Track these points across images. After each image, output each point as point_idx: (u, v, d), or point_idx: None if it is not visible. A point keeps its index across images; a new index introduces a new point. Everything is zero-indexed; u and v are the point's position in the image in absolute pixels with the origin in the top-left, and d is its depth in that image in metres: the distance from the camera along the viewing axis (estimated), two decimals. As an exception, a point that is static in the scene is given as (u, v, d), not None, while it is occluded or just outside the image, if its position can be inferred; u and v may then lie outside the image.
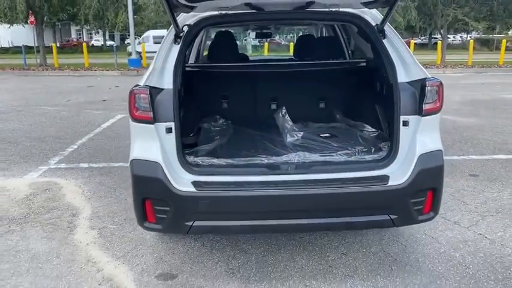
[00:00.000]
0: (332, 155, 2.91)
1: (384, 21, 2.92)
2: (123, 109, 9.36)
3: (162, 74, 2.76)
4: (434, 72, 17.61)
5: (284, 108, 3.53)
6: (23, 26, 22.33)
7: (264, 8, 3.00)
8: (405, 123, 2.70)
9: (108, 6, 20.00)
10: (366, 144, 3.08)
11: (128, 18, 18.82)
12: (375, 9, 3.11)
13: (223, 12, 2.99)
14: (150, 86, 2.67)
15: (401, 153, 2.69)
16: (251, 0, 2.94)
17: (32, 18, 19.44)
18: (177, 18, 3.01)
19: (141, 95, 2.63)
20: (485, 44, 46.38)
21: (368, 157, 2.86)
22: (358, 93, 3.66)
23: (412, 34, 48.45)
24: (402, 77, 2.77)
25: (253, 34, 6.24)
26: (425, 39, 51.26)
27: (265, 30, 5.05)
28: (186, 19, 3.04)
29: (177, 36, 2.92)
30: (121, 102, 10.29)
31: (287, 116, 3.50)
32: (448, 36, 54.08)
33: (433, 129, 2.78)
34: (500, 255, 3.20)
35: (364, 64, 3.61)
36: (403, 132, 2.70)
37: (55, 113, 9.07)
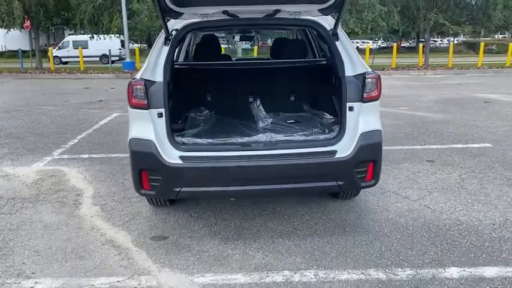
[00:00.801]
0: (293, 135, 3.57)
1: (335, 26, 3.59)
2: (119, 108, 10.01)
3: (155, 70, 3.40)
4: (416, 74, 18.49)
5: (259, 100, 4.20)
6: (20, 31, 22.83)
7: (238, 15, 3.65)
8: (350, 109, 3.36)
9: (102, 11, 20.57)
10: (322, 128, 3.75)
11: (122, 23, 19.44)
12: (329, 16, 3.77)
13: (205, 19, 3.65)
14: (144, 79, 3.31)
15: (347, 132, 3.35)
16: (228, 9, 3.61)
17: (27, 23, 19.99)
18: (168, 23, 3.66)
19: (138, 86, 3.28)
20: (471, 47, 47.49)
21: (321, 136, 3.53)
22: (320, 87, 4.32)
23: (401, 38, 49.53)
24: (349, 71, 3.43)
25: (237, 38, 6.95)
26: (413, 42, 52.32)
27: (247, 34, 5.72)
28: (174, 24, 3.69)
29: (166, 39, 3.57)
30: (117, 103, 10.91)
31: (261, 106, 4.17)
32: (436, 39, 55.29)
33: (373, 113, 3.45)
34: (437, 220, 3.86)
35: (325, 62, 4.27)
36: (349, 116, 3.36)
37: (55, 112, 9.67)
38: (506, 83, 14.97)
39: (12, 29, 21.07)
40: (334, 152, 3.30)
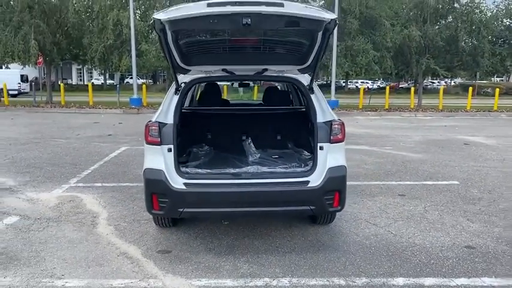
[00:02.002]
0: (275, 168, 4.42)
1: (311, 82, 4.50)
2: (126, 142, 10.90)
3: (167, 114, 4.28)
4: (407, 115, 19.47)
5: (250, 138, 5.08)
6: (35, 67, 24.15)
7: (235, 72, 4.58)
8: (321, 148, 4.21)
9: (112, 50, 21.95)
10: (299, 162, 4.60)
11: (130, 62, 20.71)
12: (306, 74, 4.70)
13: (208, 75, 4.57)
14: (158, 122, 4.19)
15: (318, 166, 4.19)
16: (226, 67, 4.54)
17: (40, 60, 21.29)
18: (178, 77, 4.58)
19: (153, 127, 4.15)
20: (467, 90, 49.09)
21: (298, 169, 4.37)
22: (300, 129, 5.18)
23: (399, 78, 51.22)
24: (320, 118, 4.31)
25: (236, 84, 8.06)
26: (411, 83, 54.02)
27: (244, 82, 6.67)
28: (183, 78, 4.61)
29: (177, 89, 4.47)
30: (124, 137, 11.82)
31: (251, 144, 5.04)
32: (434, 81, 57.00)
33: (339, 152, 4.29)
34: (396, 242, 4.62)
35: (304, 109, 5.16)
36: (320, 154, 4.20)
37: (68, 145, 10.54)
38: (490, 126, 15.90)
39: (27, 66, 22.35)
40: (307, 182, 4.13)
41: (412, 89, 22.84)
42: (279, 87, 6.86)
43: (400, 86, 51.87)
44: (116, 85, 21.69)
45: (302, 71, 4.59)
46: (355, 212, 5.57)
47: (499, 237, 4.77)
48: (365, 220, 5.30)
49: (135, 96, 20.75)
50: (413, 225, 5.14)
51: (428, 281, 3.78)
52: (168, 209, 4.12)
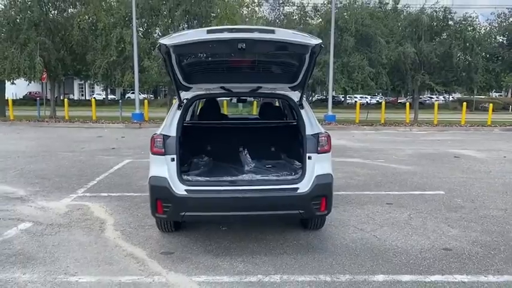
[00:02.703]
0: (268, 176, 4.88)
1: (300, 98, 4.98)
2: (130, 155, 11.36)
3: (170, 127, 4.75)
4: (402, 130, 19.96)
5: (246, 150, 5.54)
6: (40, 83, 24.74)
7: (232, 89, 5.07)
8: (309, 158, 4.66)
9: (116, 67, 22.57)
10: (290, 171, 5.05)
11: (133, 78, 21.30)
12: (296, 91, 5.18)
13: (208, 92, 5.06)
14: (163, 134, 4.66)
15: (307, 174, 4.63)
16: (224, 85, 5.03)
17: (44, 75, 21.90)
18: (180, 93, 5.06)
19: (158, 139, 4.61)
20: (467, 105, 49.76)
21: (289, 177, 4.82)
22: (292, 141, 5.63)
23: (398, 93, 51.91)
24: (309, 131, 4.77)
25: (235, 100, 8.58)
26: (410, 98, 54.69)
27: (242, 98, 7.18)
28: (185, 95, 5.09)
29: (179, 105, 4.95)
30: (128, 150, 12.28)
31: (247, 155, 5.50)
32: (432, 96, 57.69)
33: (326, 161, 4.73)
34: (380, 245, 5.03)
35: (295, 123, 5.63)
36: (308, 163, 4.65)
37: (74, 158, 10.99)
38: (482, 140, 16.38)
39: (33, 81, 22.96)
40: (297, 188, 4.57)
41: (408, 104, 23.39)
42: (273, 103, 7.35)
43: (398, 101, 52.56)
44: (118, 100, 22.21)
45: (293, 89, 5.08)
46: (344, 219, 5.99)
47: (475, 241, 5.19)
48: (353, 226, 5.72)
49: (137, 111, 21.28)
50: (397, 231, 5.55)
51: (406, 277, 4.19)
52: (170, 213, 4.55)
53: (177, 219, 4.84)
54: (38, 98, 23.54)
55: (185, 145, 5.27)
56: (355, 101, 50.81)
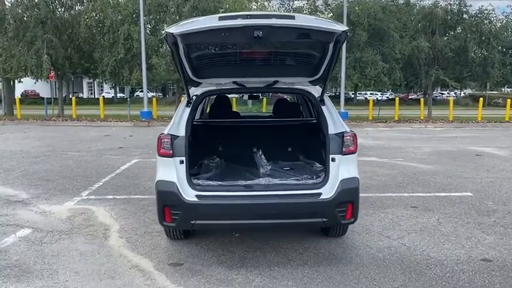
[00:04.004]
0: (287, 180, 4.41)
1: (322, 94, 4.50)
2: (137, 155, 10.96)
3: (178, 126, 4.31)
4: (417, 127, 19.37)
5: (261, 150, 5.07)
6: (47, 82, 24.51)
7: (245, 84, 4.60)
8: (333, 160, 4.19)
9: (123, 64, 22.24)
10: (311, 174, 4.58)
11: (141, 75, 20.94)
12: (317, 85, 4.71)
13: (219, 87, 4.60)
14: (171, 134, 4.22)
15: (330, 178, 4.16)
16: (237, 80, 4.57)
17: (51, 74, 21.64)
18: (189, 90, 4.61)
19: (165, 139, 4.17)
20: (477, 100, 48.73)
21: (310, 181, 4.35)
22: (311, 141, 5.17)
23: (409, 90, 51.09)
24: (332, 130, 4.30)
25: (246, 96, 8.07)
26: (421, 94, 53.81)
27: (254, 94, 6.71)
28: (195, 91, 4.64)
29: (188, 102, 4.50)
30: (135, 150, 11.89)
31: (263, 156, 5.03)
32: (443, 92, 56.68)
33: (351, 163, 4.27)
34: (410, 255, 4.56)
35: (315, 121, 5.15)
36: (332, 165, 4.18)
37: (79, 158, 10.62)
38: (502, 137, 15.75)
39: (39, 80, 22.72)
40: (320, 194, 4.11)
41: (422, 100, 22.74)
42: (288, 99, 6.88)
43: (409, 97, 51.74)
44: (126, 98, 21.90)
45: (313, 83, 4.61)
46: (368, 224, 5.52)
47: (515, 250, 4.70)
48: (378, 232, 5.25)
49: (145, 109, 20.91)
50: (427, 238, 5.07)
51: (444, 294, 3.72)
52: (180, 221, 4.12)
53: (186, 228, 4.40)
54: (35, 97, 23.20)
55: (195, 145, 4.83)
56: (365, 98, 50.21)
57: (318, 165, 4.82)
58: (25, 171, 8.96)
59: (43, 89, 33.69)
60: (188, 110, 4.42)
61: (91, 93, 62.72)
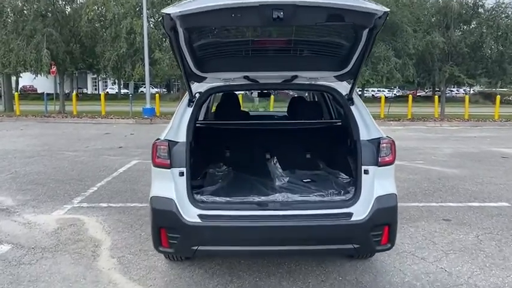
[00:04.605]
0: (309, 196, 3.65)
1: (351, 91, 3.75)
2: (138, 155, 10.24)
3: (178, 130, 3.57)
4: (431, 125, 18.53)
5: (275, 158, 4.31)
6: (46, 77, 23.86)
7: (258, 80, 3.85)
8: (366, 172, 3.44)
9: (126, 59, 21.52)
10: (337, 188, 3.82)
11: (144, 70, 20.22)
12: (345, 81, 3.95)
13: (227, 83, 3.85)
14: (168, 140, 3.48)
15: (362, 195, 3.41)
16: (248, 74, 3.82)
17: (53, 69, 20.97)
18: (191, 86, 3.88)
19: (161, 146, 3.43)
20: (488, 98, 47.50)
21: (337, 198, 3.59)
22: (336, 147, 4.43)
23: (416, 87, 50.00)
24: (364, 135, 3.55)
25: (255, 93, 7.23)
26: (429, 91, 52.67)
27: (265, 91, 5.97)
28: (198, 87, 3.89)
29: (190, 101, 3.76)
30: (136, 149, 11.17)
31: (278, 164, 4.27)
32: (451, 89, 55.53)
33: (388, 177, 3.52)
34: (454, 284, 3.82)
35: (340, 124, 4.41)
36: (364, 179, 3.43)
37: (76, 158, 9.93)
38: (524, 136, 14.91)
39: (38, 75, 22.05)
40: (350, 214, 3.36)
41: (436, 97, 21.84)
42: (305, 97, 6.11)
43: (417, 94, 50.69)
44: (129, 94, 21.22)
45: (340, 78, 3.84)
46: (397, 241, 4.67)
47: None
48: (410, 253, 4.50)
49: (148, 106, 20.21)
50: (469, 261, 4.32)
51: None
52: (179, 247, 3.39)
53: (187, 254, 3.68)
54: (44, 93, 22.54)
55: (198, 151, 4.10)
56: (373, 95, 49.18)
57: (344, 176, 4.06)
58: (15, 173, 8.28)
59: (42, 84, 33.02)
60: (190, 110, 3.69)
61: (95, 89, 62.07)
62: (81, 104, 26.43)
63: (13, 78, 35.82)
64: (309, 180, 4.10)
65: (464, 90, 54.33)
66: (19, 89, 23.74)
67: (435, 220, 5.56)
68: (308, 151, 4.79)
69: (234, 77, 3.82)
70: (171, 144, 3.47)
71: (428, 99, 45.06)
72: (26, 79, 30.95)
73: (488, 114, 21.28)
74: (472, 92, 53.83)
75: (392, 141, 3.55)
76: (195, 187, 3.81)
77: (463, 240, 4.86)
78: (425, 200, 6.49)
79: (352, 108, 3.71)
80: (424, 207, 6.09)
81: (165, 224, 3.38)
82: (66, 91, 31.73)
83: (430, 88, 50.66)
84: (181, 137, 3.53)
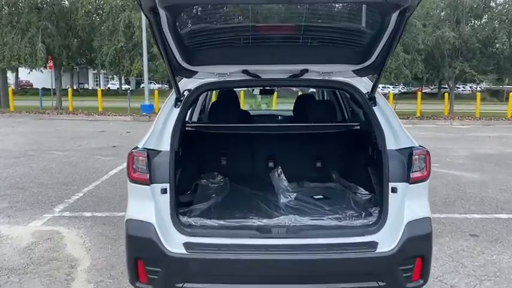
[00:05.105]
0: (323, 219, 2.96)
1: (373, 89, 3.06)
2: (131, 156, 9.57)
3: (161, 137, 2.89)
4: (442, 124, 17.79)
5: (280, 167, 3.62)
6: (41, 72, 23.22)
7: (260, 75, 3.16)
8: (394, 190, 2.76)
9: (124, 54, 20.84)
10: (357, 209, 3.12)
11: (142, 66, 19.54)
12: (366, 77, 3.26)
13: (222, 79, 3.16)
14: (148, 149, 2.80)
15: (389, 219, 2.74)
16: (248, 68, 3.13)
17: (50, 64, 20.32)
18: (179, 82, 3.19)
19: (139, 157, 2.76)
20: (495, 95, 46.59)
21: (358, 222, 2.91)
22: (353, 155, 3.75)
23: (422, 84, 49.13)
24: (391, 144, 2.86)
25: (257, 91, 6.50)
26: (435, 88, 51.78)
27: (268, 88, 5.27)
28: (187, 83, 3.21)
29: (177, 100, 3.08)
30: (130, 149, 10.50)
31: (282, 175, 3.59)
32: (457, 86, 54.54)
33: (422, 197, 2.84)
34: (496, 324, 3.15)
35: (358, 127, 3.73)
36: (392, 199, 2.75)
37: (65, 159, 9.28)
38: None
39: (34, 70, 21.40)
40: (375, 244, 2.68)
41: (446, 94, 21.04)
42: (314, 95, 5.40)
43: (423, 91, 49.83)
44: (127, 90, 20.57)
45: (359, 73, 3.15)
46: (421, 264, 4.08)
47: None
48: (438, 279, 3.83)
49: (146, 102, 19.53)
50: (508, 290, 3.64)
51: None
52: (160, 283, 2.72)
53: None
54: (40, 88, 21.90)
55: (188, 160, 3.42)
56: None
57: (363, 191, 3.38)
58: (-3, 176, 7.65)
59: (39, 79, 32.29)
60: (177, 111, 3.01)
61: (97, 85, 61.47)
62: (81, 100, 25.84)
63: (13, 73, 35.38)
64: (321, 196, 3.40)
65: (470, 87, 53.40)
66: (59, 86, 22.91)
67: (461, 236, 4.88)
68: (319, 159, 4.10)
69: (231, 72, 3.13)
70: (152, 154, 2.79)
71: (434, 96, 44.27)
72: (23, 74, 30.30)
73: (499, 112, 20.49)
74: (478, 89, 52.90)
75: (427, 151, 2.86)
76: (182, 204, 3.14)
77: (497, 262, 4.19)
78: (447, 211, 5.80)
79: (375, 109, 3.02)
80: (446, 220, 5.41)
81: (142, 254, 2.72)
82: (67, 86, 31.05)
83: (435, 85, 49.88)
84: (165, 144, 2.86)
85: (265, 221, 2.91)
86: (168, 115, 3.01)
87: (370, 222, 2.84)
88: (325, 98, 5.37)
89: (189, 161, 3.49)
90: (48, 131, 14.03)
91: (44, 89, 23.12)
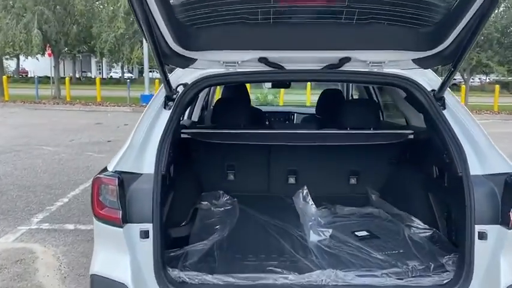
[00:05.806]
0: (375, 275, 2.06)
1: (444, 86, 2.17)
2: (126, 153, 8.75)
3: (142, 153, 2.03)
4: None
5: (306, 188, 2.73)
6: (37, 59, 22.35)
7: (283, 64, 2.27)
8: (482, 236, 1.88)
9: (124, 41, 19.98)
10: (420, 255, 2.23)
11: (143, 53, 18.66)
12: (430, 70, 2.36)
13: (231, 69, 2.27)
14: (121, 172, 1.93)
15: (476, 279, 1.87)
16: (267, 55, 2.24)
17: (49, 51, 19.47)
18: (171, 75, 2.32)
19: (109, 185, 1.89)
20: (505, 87, 45.32)
21: (427, 281, 2.02)
22: (402, 173, 2.88)
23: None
24: (475, 167, 1.98)
25: (268, 84, 5.54)
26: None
27: (288, 82, 4.37)
28: (182, 76, 2.33)
29: (168, 99, 2.21)
30: (127, 144, 9.69)
31: (309, 198, 2.69)
32: (473, 78, 53.16)
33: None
34: None
35: (412, 137, 2.83)
36: (479, 249, 1.88)
37: (54, 155, 8.47)
38: None
39: (29, 57, 20.59)
40: None
41: (463, 87, 20.03)
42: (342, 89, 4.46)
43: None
44: (127, 79, 19.72)
45: (422, 63, 2.25)
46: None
47: None
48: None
49: (146, 92, 18.65)
50: None
51: None
52: None
53: None
54: (36, 76, 21.09)
55: (183, 178, 2.55)
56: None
57: (420, 224, 2.49)
58: (-26, 175, 6.84)
59: (39, 67, 31.43)
60: (167, 114, 2.14)
61: (100, 73, 60.65)
62: (82, 89, 24.87)
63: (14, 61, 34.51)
64: (365, 233, 2.50)
65: (479, 78, 52.06)
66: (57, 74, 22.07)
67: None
68: (353, 174, 3.19)
69: (243, 60, 2.24)
70: (127, 179, 1.93)
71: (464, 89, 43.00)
72: (26, 61, 29.49)
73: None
74: (487, 80, 51.61)
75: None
76: (174, 241, 2.28)
77: None
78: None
79: (445, 113, 2.14)
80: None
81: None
82: (70, 74, 30.21)
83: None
84: (148, 165, 1.99)
85: (292, 278, 2.01)
86: (154, 120, 2.15)
87: (445, 281, 1.96)
88: (351, 93, 4.45)
89: (185, 180, 2.62)
90: (41, 123, 13.20)
91: (46, 77, 22.32)
